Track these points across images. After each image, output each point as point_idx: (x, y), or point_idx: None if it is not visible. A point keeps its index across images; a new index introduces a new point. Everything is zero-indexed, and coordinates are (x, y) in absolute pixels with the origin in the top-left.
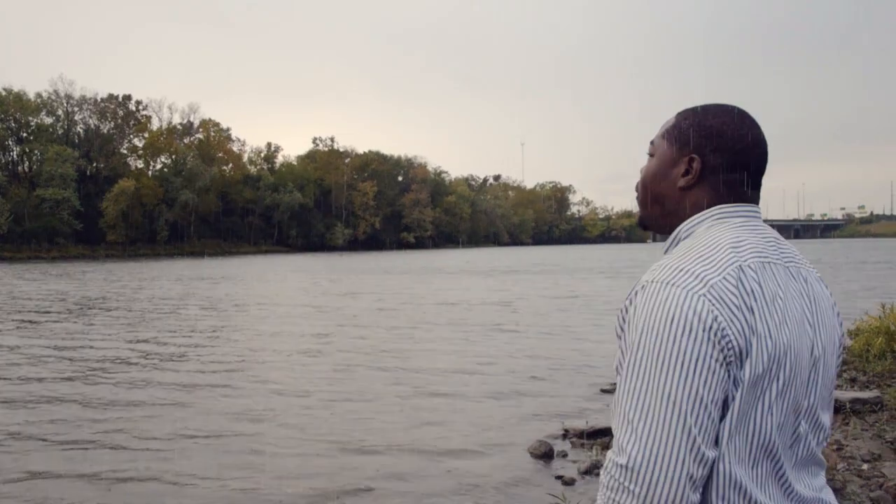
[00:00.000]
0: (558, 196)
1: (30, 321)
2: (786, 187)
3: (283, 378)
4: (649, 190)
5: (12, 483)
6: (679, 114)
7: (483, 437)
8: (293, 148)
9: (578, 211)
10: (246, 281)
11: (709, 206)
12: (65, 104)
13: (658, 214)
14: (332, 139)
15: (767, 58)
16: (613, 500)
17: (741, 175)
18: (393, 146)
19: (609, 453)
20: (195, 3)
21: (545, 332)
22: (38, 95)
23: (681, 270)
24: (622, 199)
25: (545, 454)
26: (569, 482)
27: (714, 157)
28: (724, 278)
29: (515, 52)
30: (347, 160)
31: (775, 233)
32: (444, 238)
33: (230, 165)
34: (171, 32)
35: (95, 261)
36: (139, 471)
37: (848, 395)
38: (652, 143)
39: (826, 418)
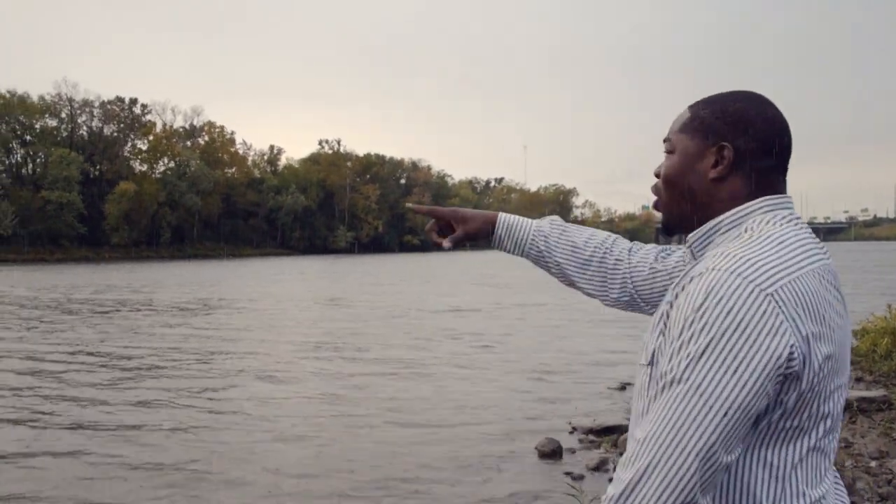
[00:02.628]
0: (561, 199)
1: (54, 322)
2: (789, 190)
3: (287, 387)
4: (676, 188)
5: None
6: (694, 105)
7: (491, 434)
8: (294, 150)
9: (581, 213)
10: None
11: (748, 196)
12: (69, 107)
13: (689, 212)
14: (338, 141)
15: (770, 60)
16: (618, 473)
17: (774, 160)
18: (395, 149)
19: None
20: (195, 6)
21: (550, 334)
22: (42, 98)
23: (748, 262)
24: (624, 201)
25: (553, 451)
26: (577, 478)
27: (745, 143)
28: (795, 279)
29: (517, 55)
30: (349, 163)
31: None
32: None
33: (234, 168)
34: (171, 35)
35: (99, 263)
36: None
37: (855, 394)
38: (668, 139)
39: None
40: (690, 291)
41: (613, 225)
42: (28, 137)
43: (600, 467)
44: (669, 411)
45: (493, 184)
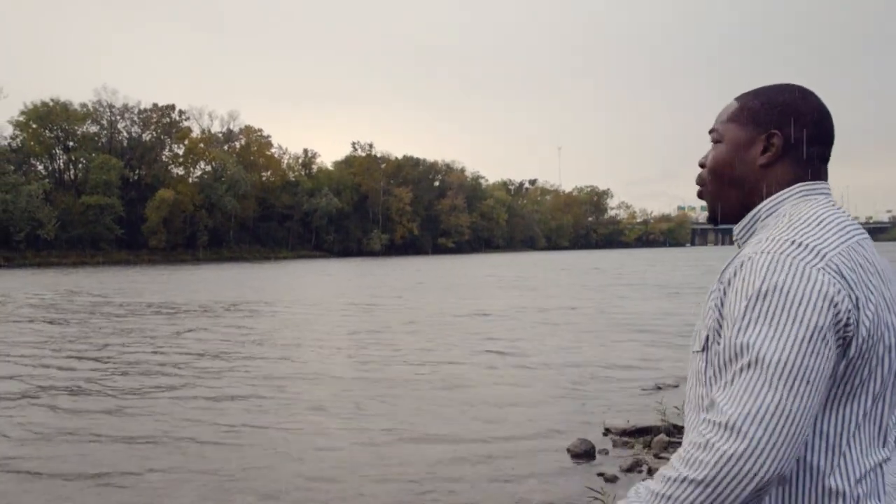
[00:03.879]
0: (595, 200)
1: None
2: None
3: (320, 378)
4: (725, 176)
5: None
6: (743, 96)
7: (524, 435)
8: (327, 154)
9: (616, 215)
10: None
11: (792, 182)
12: (108, 113)
13: (737, 200)
14: (370, 144)
15: (812, 56)
16: (694, 455)
17: (820, 148)
18: (429, 151)
19: (702, 415)
20: (224, 13)
21: (582, 338)
22: (84, 105)
23: (792, 243)
24: (659, 202)
25: (586, 452)
26: (611, 479)
27: (794, 131)
28: (839, 253)
29: (551, 55)
30: (383, 165)
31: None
32: (482, 242)
33: (269, 171)
34: (202, 41)
35: (139, 266)
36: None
37: None
38: (715, 130)
39: None
40: (746, 275)
41: (649, 226)
42: (70, 143)
43: (634, 468)
44: (761, 389)
45: (526, 185)
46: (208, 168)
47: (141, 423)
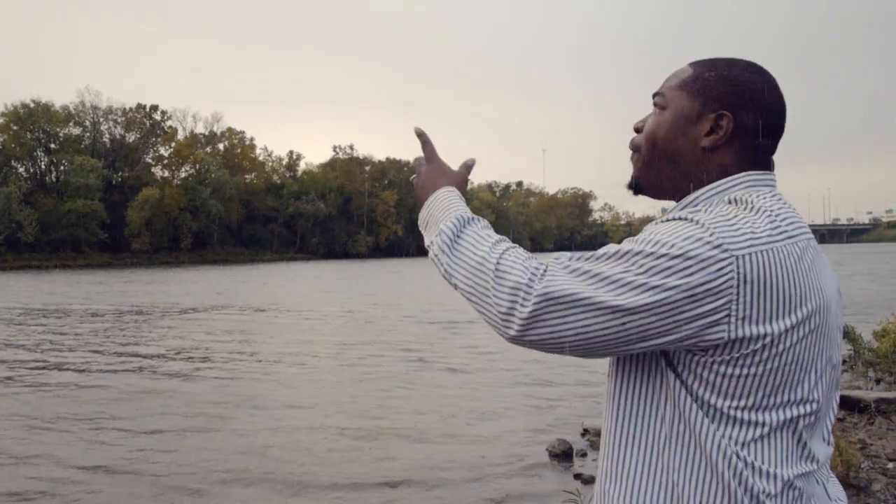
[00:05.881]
0: (580, 202)
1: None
2: (811, 192)
3: (305, 382)
4: (659, 147)
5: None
6: (697, 63)
7: (502, 435)
8: (312, 155)
9: (600, 217)
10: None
11: (736, 172)
12: (91, 115)
13: (667, 176)
14: (351, 147)
15: (792, 58)
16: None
17: (769, 141)
18: (413, 153)
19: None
20: (210, 14)
21: None
22: (66, 107)
23: (726, 221)
24: (643, 204)
25: (564, 453)
26: (588, 480)
27: (747, 117)
28: (771, 250)
29: (536, 58)
30: (368, 167)
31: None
32: None
33: (253, 174)
34: (185, 42)
35: (122, 269)
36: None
37: (873, 395)
38: (661, 94)
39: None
40: (653, 228)
41: (632, 228)
42: (52, 146)
43: None
44: (590, 305)
45: (512, 187)
46: (192, 170)
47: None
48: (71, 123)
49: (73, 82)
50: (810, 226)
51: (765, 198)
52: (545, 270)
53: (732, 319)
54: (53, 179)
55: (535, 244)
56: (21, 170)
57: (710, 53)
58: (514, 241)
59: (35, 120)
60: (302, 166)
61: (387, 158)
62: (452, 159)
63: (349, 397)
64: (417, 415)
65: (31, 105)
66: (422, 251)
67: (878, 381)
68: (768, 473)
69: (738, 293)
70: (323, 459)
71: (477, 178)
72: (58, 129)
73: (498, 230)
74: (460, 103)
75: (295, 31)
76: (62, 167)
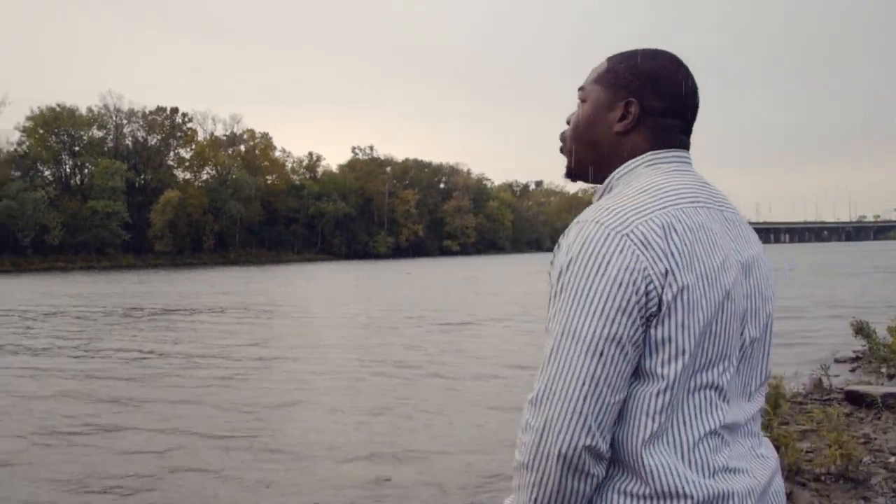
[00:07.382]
0: None
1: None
2: (837, 189)
3: (311, 380)
4: (582, 137)
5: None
6: (611, 58)
7: (489, 433)
8: (331, 156)
9: None
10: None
11: (645, 152)
12: (114, 118)
13: (592, 162)
14: (371, 147)
15: (810, 56)
16: (519, 439)
17: (677, 121)
18: (434, 153)
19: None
20: (225, 15)
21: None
22: (90, 110)
23: (610, 210)
24: None
25: None
26: None
27: (653, 102)
28: (651, 219)
29: (554, 57)
30: (388, 168)
31: (705, 178)
32: (487, 244)
33: (274, 175)
34: (185, 42)
35: (146, 270)
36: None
37: (881, 389)
38: (582, 88)
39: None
40: (561, 242)
41: None
42: (76, 149)
43: None
44: (555, 362)
45: (532, 187)
46: (213, 172)
47: (138, 419)
48: (94, 126)
49: (73, 82)
50: (836, 224)
51: (655, 175)
52: (525, 425)
53: None
54: (78, 182)
55: (555, 242)
56: (47, 173)
57: (710, 53)
58: (533, 240)
59: (60, 123)
60: (322, 167)
61: (407, 159)
62: (473, 158)
63: (339, 398)
64: (409, 410)
65: (57, 109)
66: (442, 251)
67: (890, 377)
68: (689, 424)
69: None
70: (303, 458)
71: (497, 178)
72: (82, 133)
73: (518, 230)
74: (479, 103)
75: (310, 33)
76: (86, 170)
